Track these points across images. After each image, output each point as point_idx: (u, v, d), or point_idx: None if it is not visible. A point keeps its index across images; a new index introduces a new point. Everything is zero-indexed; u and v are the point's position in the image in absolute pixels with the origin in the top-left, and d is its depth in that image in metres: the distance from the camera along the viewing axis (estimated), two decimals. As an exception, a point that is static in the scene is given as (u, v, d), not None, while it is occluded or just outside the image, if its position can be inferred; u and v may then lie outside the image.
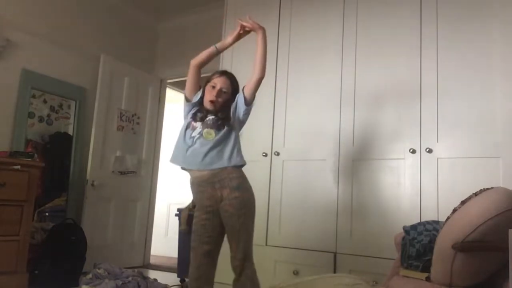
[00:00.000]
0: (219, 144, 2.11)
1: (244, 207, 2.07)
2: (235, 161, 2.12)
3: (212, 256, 2.10)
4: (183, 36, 4.83)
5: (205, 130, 2.12)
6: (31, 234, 3.25)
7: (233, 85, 2.24)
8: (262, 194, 3.04)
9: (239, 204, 2.05)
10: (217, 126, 2.13)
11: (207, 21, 4.54)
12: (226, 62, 3.42)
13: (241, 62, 3.16)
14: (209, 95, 2.18)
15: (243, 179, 2.12)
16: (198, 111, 2.20)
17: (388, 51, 2.83)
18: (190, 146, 2.12)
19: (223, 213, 2.08)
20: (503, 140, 2.41)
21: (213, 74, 2.25)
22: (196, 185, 2.14)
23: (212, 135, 2.11)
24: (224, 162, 2.09)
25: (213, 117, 2.15)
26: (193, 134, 2.14)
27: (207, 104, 2.19)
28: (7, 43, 3.53)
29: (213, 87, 2.18)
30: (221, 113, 2.17)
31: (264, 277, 2.86)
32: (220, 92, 2.17)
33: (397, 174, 2.70)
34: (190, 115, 2.22)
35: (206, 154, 2.08)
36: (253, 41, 3.45)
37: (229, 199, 2.05)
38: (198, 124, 2.16)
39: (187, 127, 2.18)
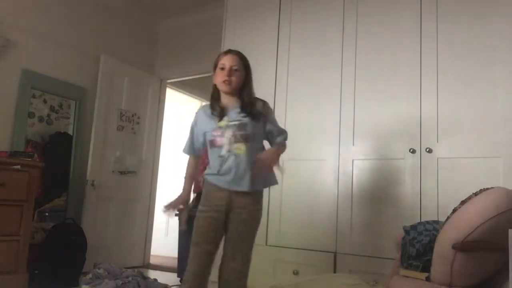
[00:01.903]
0: (251, 158, 1.99)
1: (259, 222, 2.08)
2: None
3: (213, 256, 2.03)
4: (183, 36, 4.83)
5: (235, 145, 1.98)
6: (31, 234, 3.25)
7: (243, 61, 2.10)
8: (262, 194, 3.04)
9: (257, 216, 2.06)
10: (244, 137, 1.99)
11: (207, 21, 4.54)
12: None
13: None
14: (221, 76, 2.05)
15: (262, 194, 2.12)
16: (214, 106, 2.06)
17: (388, 50, 2.83)
18: (221, 166, 1.99)
19: (236, 219, 2.01)
20: (503, 140, 2.41)
21: (218, 57, 2.13)
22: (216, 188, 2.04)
23: (242, 149, 1.99)
24: (260, 185, 2.06)
25: (237, 113, 2.02)
26: (221, 153, 2.00)
27: (221, 87, 2.06)
28: (7, 43, 3.53)
29: (222, 68, 2.05)
30: (242, 98, 2.06)
31: (264, 277, 2.87)
32: (231, 71, 2.04)
33: (397, 174, 2.69)
34: (208, 132, 2.05)
35: (238, 172, 1.98)
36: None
37: (250, 209, 2.02)
38: (224, 140, 1.99)
39: (211, 144, 2.04)
